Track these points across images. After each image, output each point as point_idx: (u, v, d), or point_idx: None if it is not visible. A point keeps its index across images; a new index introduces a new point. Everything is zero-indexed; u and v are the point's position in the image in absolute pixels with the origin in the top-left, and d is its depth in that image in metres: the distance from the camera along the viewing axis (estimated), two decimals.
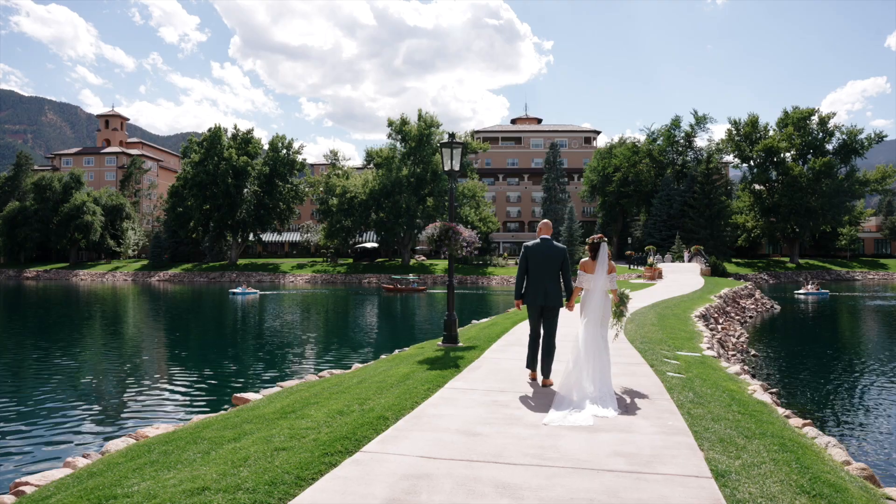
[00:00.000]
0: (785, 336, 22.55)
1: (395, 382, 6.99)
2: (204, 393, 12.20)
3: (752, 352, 16.88)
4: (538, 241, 6.98)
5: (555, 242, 6.98)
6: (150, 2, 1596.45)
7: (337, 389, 6.83)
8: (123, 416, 10.65)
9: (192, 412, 10.25)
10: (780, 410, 6.40)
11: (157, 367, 15.72)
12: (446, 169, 10.57)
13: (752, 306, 29.88)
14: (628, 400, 6.16)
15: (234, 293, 43.40)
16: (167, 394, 12.30)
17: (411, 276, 55.21)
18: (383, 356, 11.32)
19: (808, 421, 5.94)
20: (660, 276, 37.06)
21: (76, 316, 30.65)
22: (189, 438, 5.00)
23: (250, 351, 18.76)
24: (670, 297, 22.52)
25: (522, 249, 7.03)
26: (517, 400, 6.20)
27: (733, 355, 15.36)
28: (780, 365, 15.63)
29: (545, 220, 7.18)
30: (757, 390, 7.26)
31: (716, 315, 21.18)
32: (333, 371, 9.63)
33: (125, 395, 12.35)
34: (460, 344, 10.31)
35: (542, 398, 6.29)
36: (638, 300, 20.00)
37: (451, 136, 10.68)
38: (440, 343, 10.43)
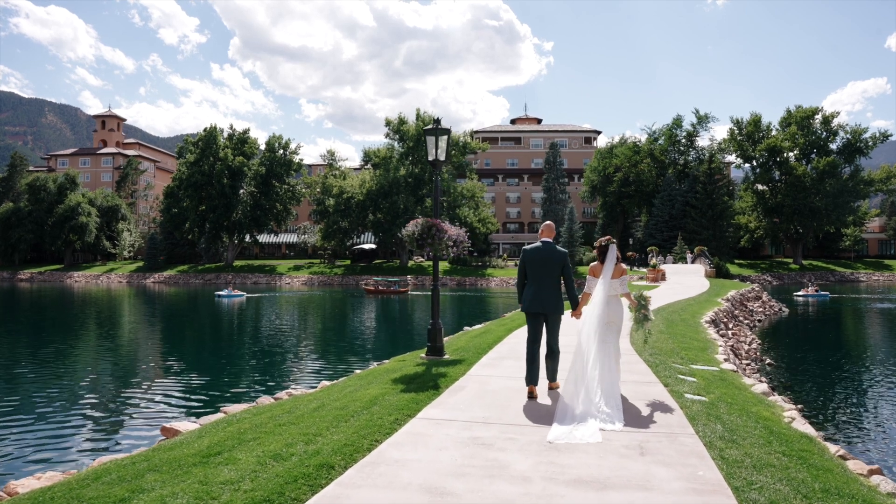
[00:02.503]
0: (798, 341, 21.27)
1: (358, 409, 5.77)
2: (136, 420, 10.14)
3: (767, 360, 15.66)
4: (538, 244, 6.46)
5: (557, 246, 6.47)
6: (149, 3, 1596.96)
7: (286, 419, 5.60)
8: (21, 456, 8.21)
9: (111, 448, 8.46)
10: (832, 448, 5.17)
11: (101, 386, 13.15)
12: (430, 159, 9.42)
13: (760, 309, 28.63)
14: (643, 436, 4.96)
15: (219, 296, 42.15)
16: (91, 423, 10.02)
17: (408, 277, 54.15)
18: (357, 371, 10.07)
19: (876, 467, 4.70)
20: (663, 277, 35.83)
21: (52, 321, 29.41)
22: (63, 500, 3.77)
23: (216, 363, 16.62)
24: (676, 301, 21.31)
25: (521, 253, 6.51)
26: (504, 436, 4.97)
27: (748, 364, 14.16)
28: (803, 378, 14.32)
29: (547, 222, 6.54)
30: (795, 418, 6.04)
31: (725, 320, 19.97)
32: (294, 391, 8.34)
33: (45, 424, 9.76)
34: (446, 356, 9.11)
35: (535, 431, 5.09)
36: None
37: (437, 121, 9.49)
38: (423, 355, 9.24)
